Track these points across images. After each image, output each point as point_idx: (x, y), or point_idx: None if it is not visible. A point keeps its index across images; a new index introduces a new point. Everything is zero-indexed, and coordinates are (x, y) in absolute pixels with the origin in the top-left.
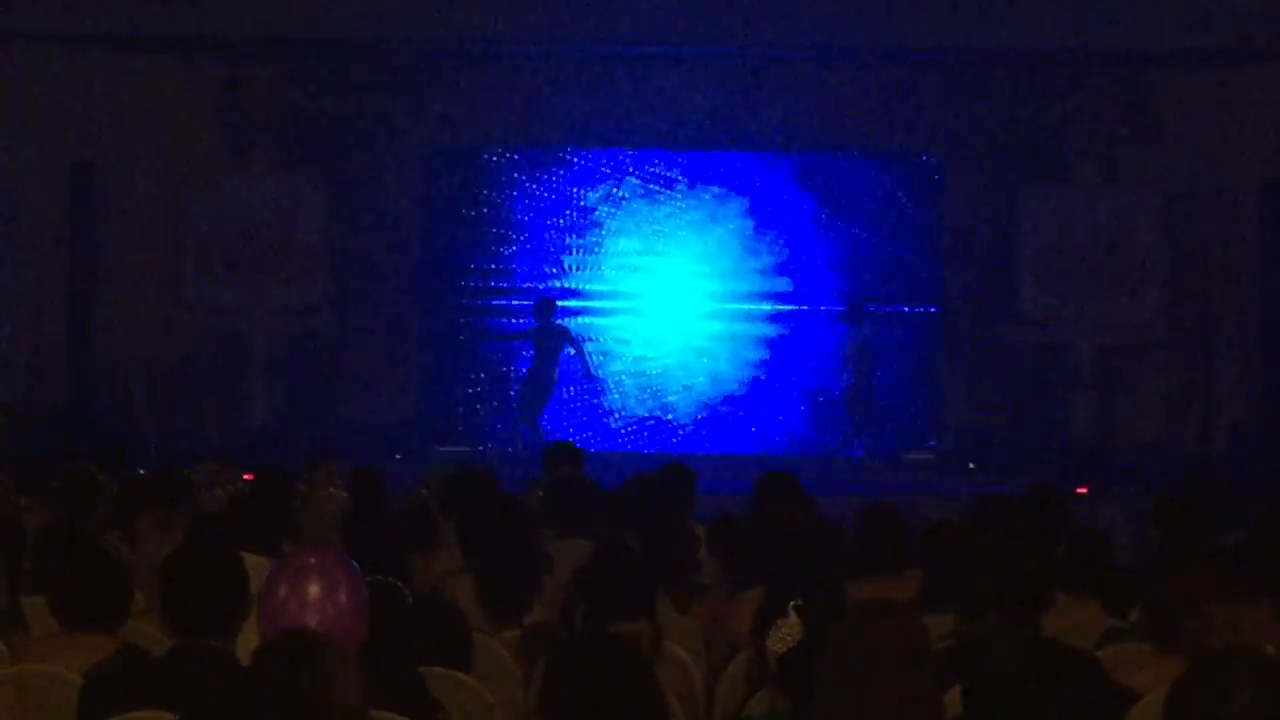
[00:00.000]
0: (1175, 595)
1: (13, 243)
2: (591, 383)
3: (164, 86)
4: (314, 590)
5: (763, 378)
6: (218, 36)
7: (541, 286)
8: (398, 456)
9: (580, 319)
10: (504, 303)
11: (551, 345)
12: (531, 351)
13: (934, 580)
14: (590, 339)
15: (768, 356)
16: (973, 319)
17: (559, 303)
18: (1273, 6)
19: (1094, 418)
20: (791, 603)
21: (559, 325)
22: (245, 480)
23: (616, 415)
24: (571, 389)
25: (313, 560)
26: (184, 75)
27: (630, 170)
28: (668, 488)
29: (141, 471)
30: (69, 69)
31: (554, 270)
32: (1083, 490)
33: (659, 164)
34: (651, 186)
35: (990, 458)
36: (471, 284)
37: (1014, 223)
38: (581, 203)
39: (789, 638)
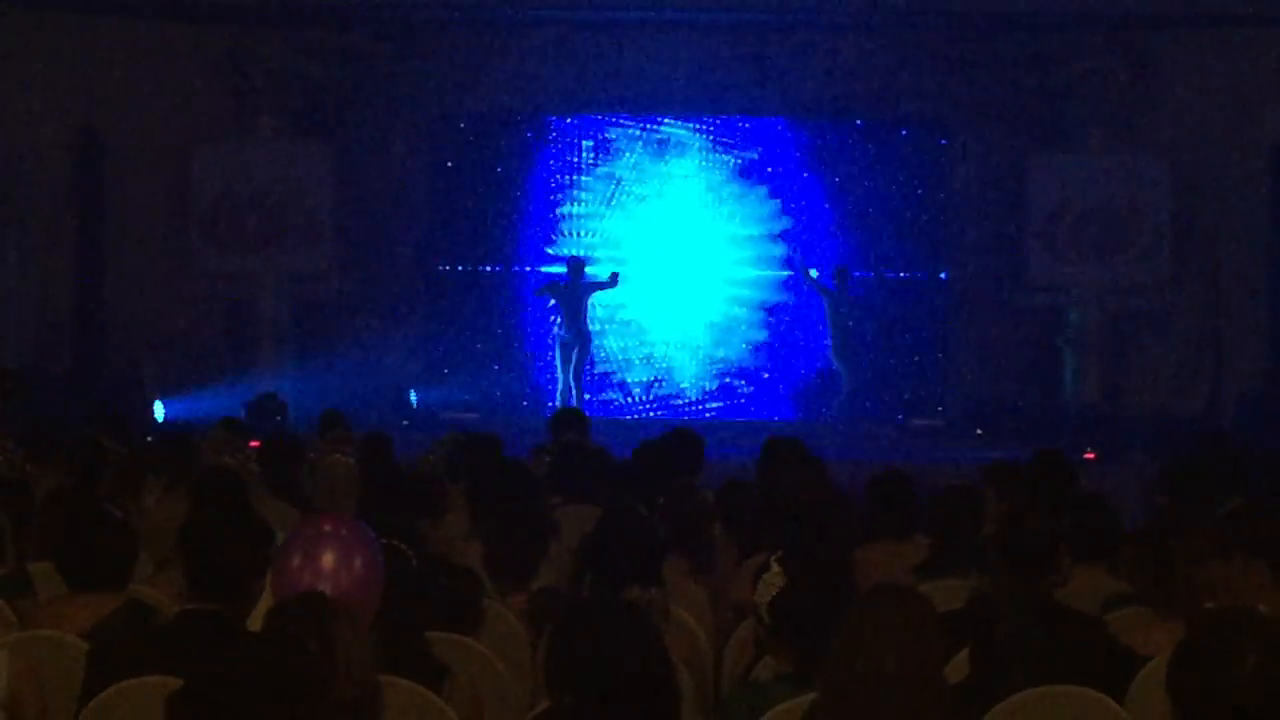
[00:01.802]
0: (1177, 559)
1: (20, 210)
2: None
3: (171, 54)
4: (328, 557)
5: (770, 345)
6: (225, 3)
7: (550, 252)
8: (405, 423)
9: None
10: (512, 269)
11: (580, 303)
12: (560, 315)
13: (942, 545)
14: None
15: (774, 323)
16: (980, 285)
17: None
18: None
19: (1102, 384)
20: (774, 556)
21: (585, 283)
22: (252, 447)
23: (622, 383)
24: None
25: (328, 527)
26: (191, 42)
27: (638, 137)
28: (675, 454)
29: (149, 439)
30: (76, 36)
31: (561, 237)
32: (1090, 456)
33: (666, 131)
34: (659, 153)
35: (998, 424)
36: (479, 250)
37: (1021, 189)
38: (588, 169)
39: (773, 586)
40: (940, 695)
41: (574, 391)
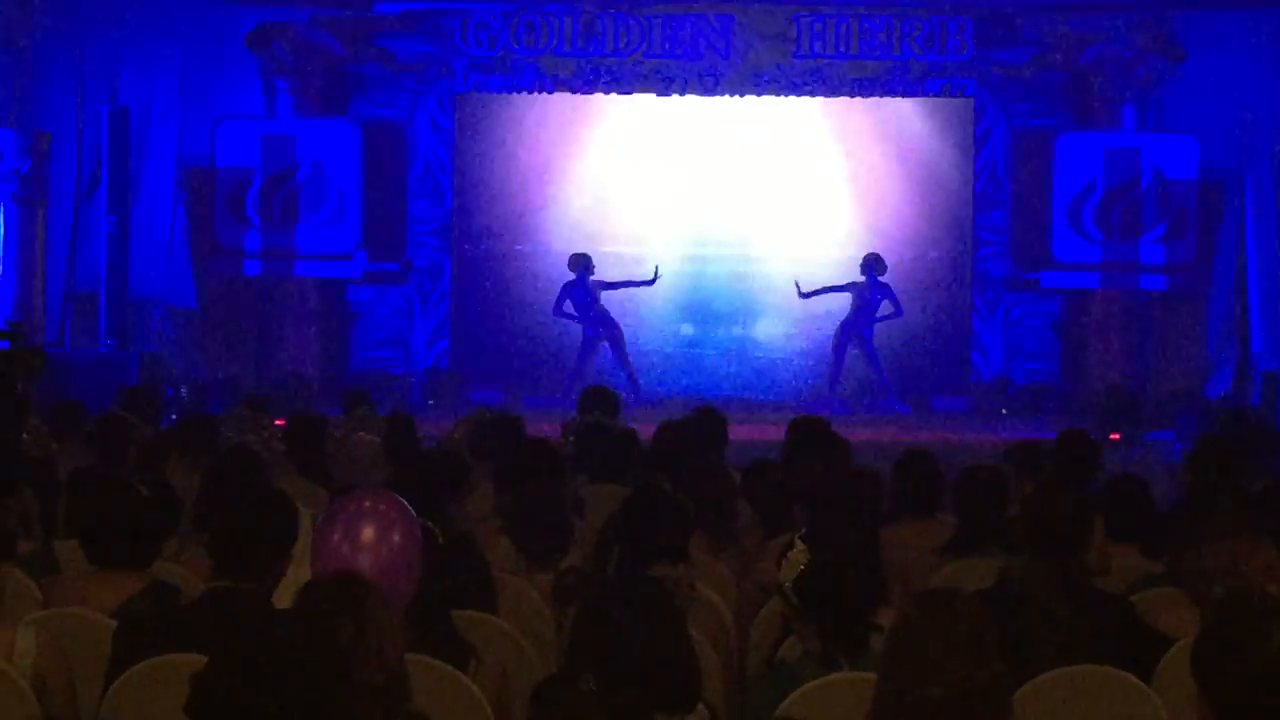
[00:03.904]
0: (1198, 538)
1: (48, 187)
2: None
3: (199, 30)
4: (369, 532)
5: (793, 324)
6: None
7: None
8: (430, 402)
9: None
10: (536, 248)
11: (593, 298)
12: (590, 312)
13: (967, 525)
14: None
15: (799, 304)
16: (1006, 265)
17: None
18: None
19: (1127, 364)
20: (799, 534)
21: (594, 280)
22: (277, 425)
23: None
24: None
25: (367, 503)
26: (219, 19)
27: (662, 116)
28: (700, 432)
29: (174, 417)
30: (104, 13)
31: (586, 217)
32: (1115, 437)
33: (693, 110)
34: (685, 132)
35: (1023, 404)
36: (504, 230)
37: (1049, 168)
38: (614, 149)
39: (798, 565)
40: (1006, 712)
41: (629, 376)
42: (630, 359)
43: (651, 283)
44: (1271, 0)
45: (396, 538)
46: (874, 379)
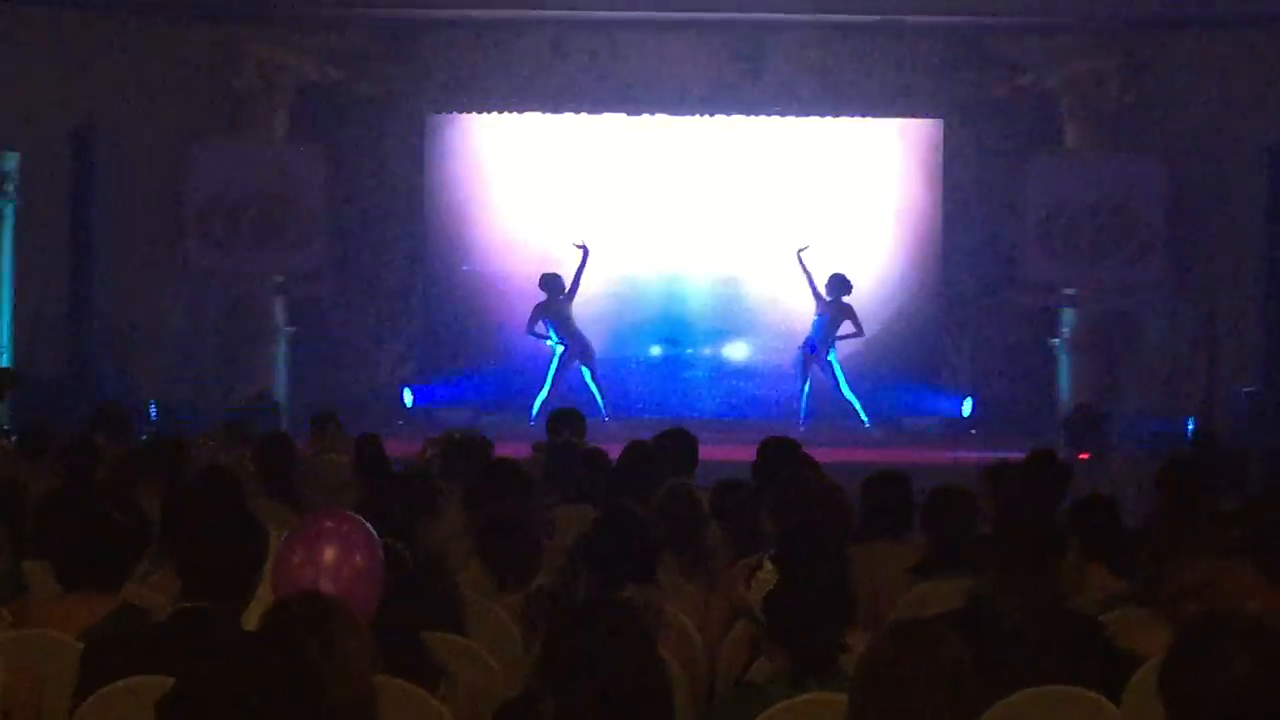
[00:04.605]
0: (1167, 558)
1: (14, 209)
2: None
3: (166, 53)
4: (330, 553)
5: (761, 343)
6: (219, 3)
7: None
8: (400, 422)
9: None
10: (505, 269)
11: (565, 316)
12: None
13: (938, 545)
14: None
15: (767, 322)
16: (976, 285)
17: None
18: None
19: (1097, 384)
20: (767, 554)
21: (566, 293)
22: (246, 447)
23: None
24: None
25: (329, 523)
26: (186, 41)
27: (633, 136)
28: (669, 452)
29: (143, 438)
30: (71, 34)
31: (557, 238)
32: (1084, 456)
33: (663, 130)
34: (655, 152)
35: (993, 424)
36: (473, 251)
37: (1017, 190)
38: (581, 168)
39: (766, 585)
40: None
41: (598, 399)
42: (600, 379)
43: (585, 251)
44: (1240, 21)
45: (358, 559)
46: (842, 399)
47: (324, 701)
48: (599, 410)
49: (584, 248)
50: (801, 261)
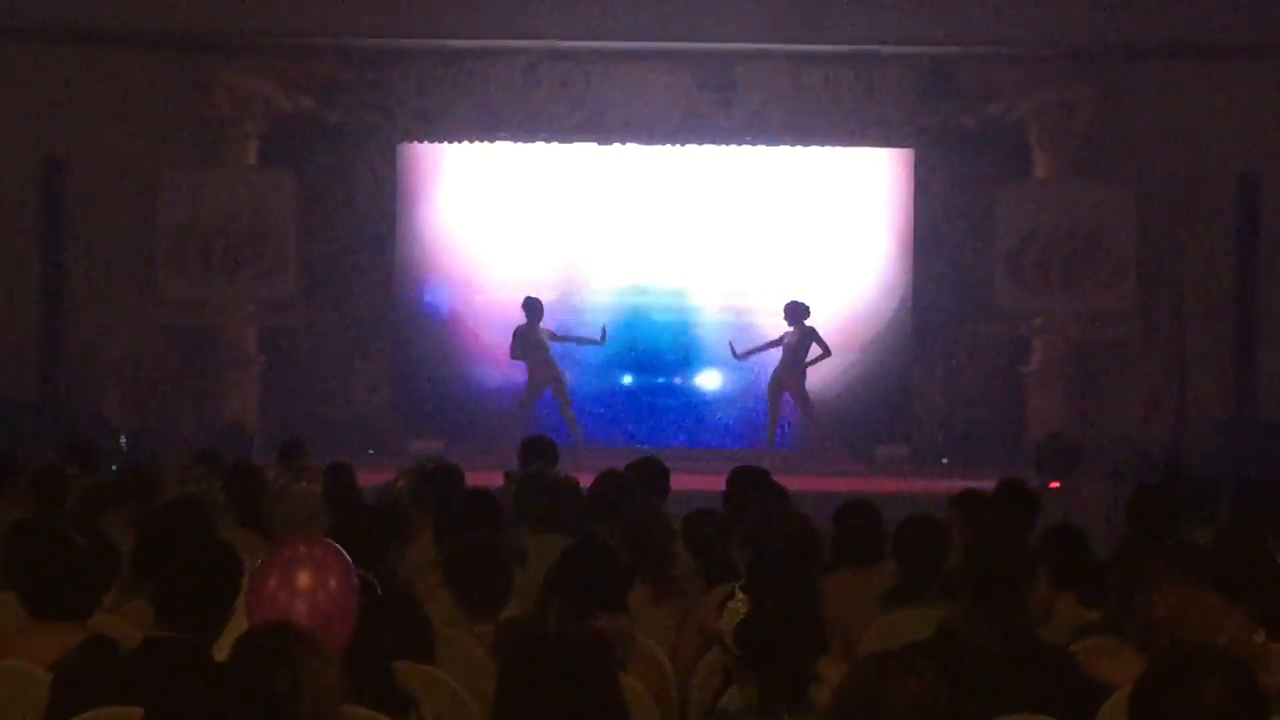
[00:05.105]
0: (1136, 588)
1: None
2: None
3: (136, 81)
4: (304, 579)
5: (732, 372)
6: (189, 32)
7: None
8: (371, 451)
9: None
10: (476, 297)
11: (541, 346)
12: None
13: (908, 574)
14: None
15: (736, 351)
16: (946, 314)
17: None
18: (1244, 2)
19: (1068, 413)
20: (738, 583)
21: (544, 328)
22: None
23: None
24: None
25: (303, 549)
26: (156, 70)
27: (601, 164)
28: (641, 481)
29: (114, 468)
30: (41, 63)
31: (527, 266)
32: (1055, 485)
33: (634, 159)
34: (626, 181)
35: (964, 453)
36: (444, 279)
37: (987, 219)
38: (552, 198)
39: (737, 614)
40: None
41: (571, 428)
42: (572, 406)
43: (600, 343)
44: (1210, 51)
45: (333, 584)
46: (811, 428)
47: None
48: (570, 439)
49: (603, 340)
50: (741, 355)
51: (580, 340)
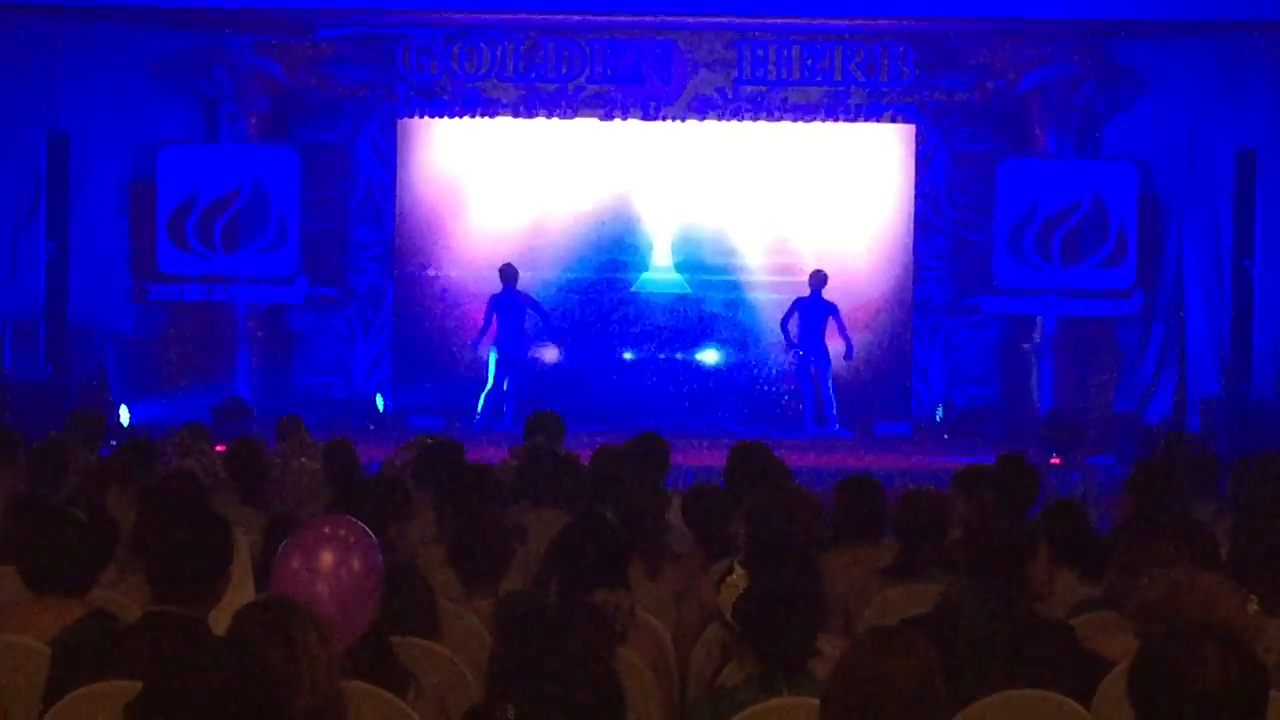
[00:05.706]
0: (1137, 564)
1: None
2: (557, 342)
3: (137, 57)
4: (327, 558)
5: (736, 351)
6: (191, 8)
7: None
8: (371, 427)
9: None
10: (477, 273)
11: (519, 314)
12: (511, 328)
13: (909, 550)
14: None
15: (740, 330)
16: (948, 290)
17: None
18: None
19: (1069, 388)
20: (737, 559)
21: (521, 293)
22: (218, 451)
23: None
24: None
25: (327, 529)
26: (157, 46)
27: (605, 141)
28: (642, 458)
29: (113, 443)
30: (42, 40)
31: (528, 242)
32: (1056, 461)
33: (635, 134)
34: (627, 157)
35: (965, 430)
36: (445, 255)
37: (989, 194)
38: (553, 172)
39: (736, 589)
40: None
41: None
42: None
43: (556, 340)
44: (1210, 28)
45: (356, 564)
46: (821, 400)
47: (290, 705)
48: (499, 420)
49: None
50: (794, 345)
51: (549, 325)
